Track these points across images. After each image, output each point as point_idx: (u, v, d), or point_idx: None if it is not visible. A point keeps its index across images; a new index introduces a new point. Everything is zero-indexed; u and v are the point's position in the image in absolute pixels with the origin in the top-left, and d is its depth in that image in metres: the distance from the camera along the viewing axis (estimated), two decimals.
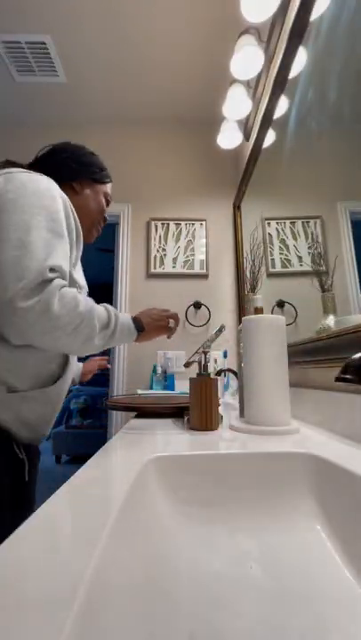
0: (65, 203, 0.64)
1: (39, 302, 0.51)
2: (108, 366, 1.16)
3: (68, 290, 0.56)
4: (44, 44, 1.57)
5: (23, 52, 1.61)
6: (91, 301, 0.60)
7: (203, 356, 0.70)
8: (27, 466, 0.63)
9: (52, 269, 0.53)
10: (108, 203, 0.84)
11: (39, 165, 0.74)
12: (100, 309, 0.61)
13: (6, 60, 1.65)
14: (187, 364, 0.75)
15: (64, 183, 0.71)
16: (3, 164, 0.69)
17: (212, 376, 0.67)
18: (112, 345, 0.64)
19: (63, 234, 0.59)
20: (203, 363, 0.70)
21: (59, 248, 0.57)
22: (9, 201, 0.55)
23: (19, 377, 0.58)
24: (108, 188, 0.84)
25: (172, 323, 0.73)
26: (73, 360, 0.71)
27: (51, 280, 0.53)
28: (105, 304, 0.65)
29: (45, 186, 0.61)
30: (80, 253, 0.73)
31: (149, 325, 0.69)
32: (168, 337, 0.75)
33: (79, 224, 0.69)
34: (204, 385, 0.64)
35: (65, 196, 0.65)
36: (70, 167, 0.75)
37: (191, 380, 0.66)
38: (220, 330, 0.79)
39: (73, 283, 0.65)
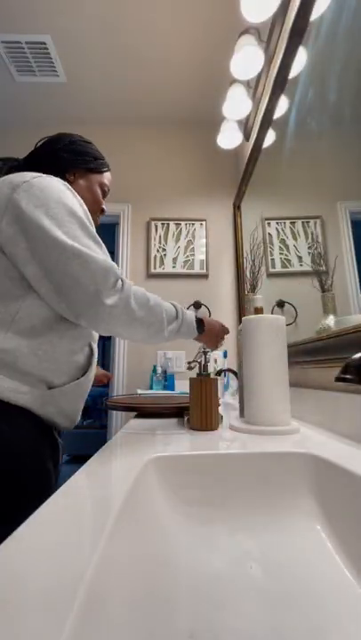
0: (77, 197, 0.66)
1: (121, 299, 0.60)
2: (105, 382, 1.13)
3: (137, 287, 0.64)
4: (44, 43, 1.57)
5: (23, 52, 1.61)
6: (158, 298, 0.68)
7: (203, 355, 0.71)
8: (62, 450, 0.70)
9: (116, 268, 0.60)
10: (104, 193, 0.82)
11: (34, 158, 0.75)
12: (169, 306, 0.69)
13: (6, 60, 1.65)
14: (189, 367, 0.75)
15: (58, 175, 0.71)
16: (5, 160, 0.72)
17: (212, 376, 0.67)
18: (178, 338, 0.72)
19: (97, 238, 0.64)
20: (203, 363, 0.70)
21: (102, 250, 0.63)
22: (40, 215, 0.58)
23: (56, 373, 0.62)
24: (105, 177, 0.81)
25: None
26: (95, 351, 0.74)
27: (122, 279, 0.61)
28: (174, 302, 0.72)
29: (60, 188, 0.63)
30: None
31: (209, 332, 0.77)
32: (212, 348, 0.81)
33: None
34: (204, 385, 0.64)
35: (73, 190, 0.67)
36: (63, 158, 0.74)
37: (191, 379, 0.66)
38: None
39: None
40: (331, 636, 0.24)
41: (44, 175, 0.64)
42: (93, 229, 0.64)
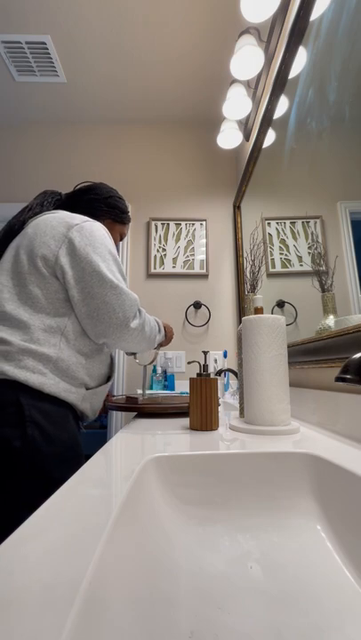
0: (112, 239, 0.82)
1: (140, 324, 0.80)
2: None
3: (144, 311, 0.84)
4: (44, 43, 1.57)
5: (23, 52, 1.61)
6: (152, 318, 0.88)
7: (203, 355, 0.71)
8: None
9: (138, 300, 0.79)
10: (122, 238, 1.02)
11: (76, 197, 0.93)
12: (155, 323, 0.89)
13: (6, 60, 1.65)
14: None
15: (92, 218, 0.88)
16: (49, 194, 0.88)
17: (212, 376, 0.67)
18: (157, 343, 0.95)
19: (124, 272, 0.81)
20: (203, 363, 0.70)
21: (126, 282, 0.78)
22: (90, 252, 0.75)
23: (91, 378, 0.80)
24: (126, 227, 1.01)
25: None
26: (114, 360, 0.93)
27: (139, 308, 0.80)
28: (155, 317, 0.92)
29: (103, 233, 0.79)
30: None
31: (169, 335, 1.01)
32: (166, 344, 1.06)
33: None
34: (204, 385, 0.64)
35: (109, 233, 0.84)
36: (100, 207, 0.93)
37: (191, 380, 0.66)
38: None
39: None
40: (331, 636, 0.24)
41: (91, 220, 0.81)
42: (122, 266, 0.81)
